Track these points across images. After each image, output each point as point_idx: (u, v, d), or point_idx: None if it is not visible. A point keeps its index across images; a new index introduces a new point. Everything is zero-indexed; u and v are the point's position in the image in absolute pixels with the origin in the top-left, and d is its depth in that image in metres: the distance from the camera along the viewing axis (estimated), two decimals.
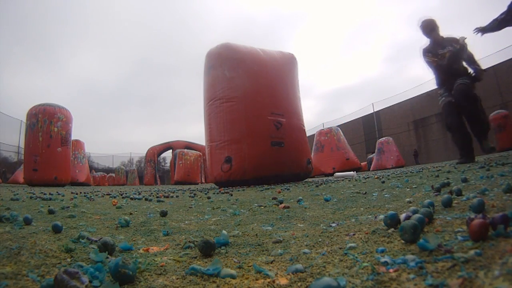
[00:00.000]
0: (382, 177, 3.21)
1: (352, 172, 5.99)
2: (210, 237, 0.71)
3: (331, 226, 0.83)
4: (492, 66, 14.33)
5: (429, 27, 4.38)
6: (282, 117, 4.68)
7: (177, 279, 0.47)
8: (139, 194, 3.15)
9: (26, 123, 8.16)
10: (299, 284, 0.43)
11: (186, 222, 1.09)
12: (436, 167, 4.52)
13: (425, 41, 4.48)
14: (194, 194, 2.82)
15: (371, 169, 13.58)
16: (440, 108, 4.27)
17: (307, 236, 0.73)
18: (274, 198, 1.76)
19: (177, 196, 2.69)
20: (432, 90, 17.67)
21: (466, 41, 4.11)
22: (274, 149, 4.44)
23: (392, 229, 0.65)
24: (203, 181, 15.48)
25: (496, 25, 3.49)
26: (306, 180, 5.28)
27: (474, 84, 3.99)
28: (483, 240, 0.46)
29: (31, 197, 2.45)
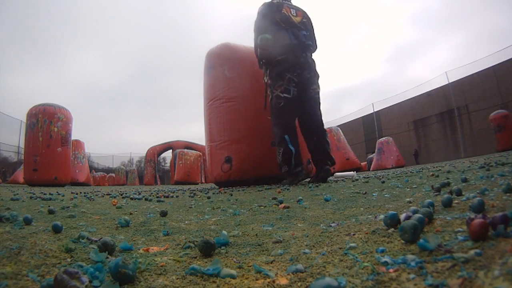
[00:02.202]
0: (382, 177, 3.21)
1: (352, 172, 5.98)
2: (210, 237, 0.71)
3: (331, 226, 0.83)
4: (492, 66, 14.35)
5: None
6: None
7: (177, 279, 0.47)
8: (139, 194, 3.15)
9: (26, 123, 8.15)
10: (299, 284, 0.43)
11: (186, 222, 1.09)
12: (436, 167, 4.52)
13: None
14: (194, 194, 2.82)
15: (371, 169, 13.58)
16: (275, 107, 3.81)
17: (307, 236, 0.73)
18: (274, 198, 1.76)
19: (177, 196, 2.69)
20: (432, 90, 17.70)
21: None
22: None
23: (392, 229, 0.65)
24: (203, 181, 15.48)
25: None
26: (306, 180, 5.28)
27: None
28: (483, 240, 0.46)
29: (31, 197, 2.45)
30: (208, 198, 2.23)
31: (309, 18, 4.15)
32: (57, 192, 3.74)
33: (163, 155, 23.54)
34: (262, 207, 1.44)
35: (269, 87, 3.90)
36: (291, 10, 4.02)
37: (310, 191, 2.31)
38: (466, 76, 15.65)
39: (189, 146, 19.12)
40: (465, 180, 1.45)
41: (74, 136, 9.31)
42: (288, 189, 2.74)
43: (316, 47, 4.07)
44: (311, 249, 0.61)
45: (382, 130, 20.52)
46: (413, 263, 0.43)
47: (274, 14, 3.88)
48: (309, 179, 4.17)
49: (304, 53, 3.89)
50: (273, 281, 0.44)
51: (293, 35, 3.79)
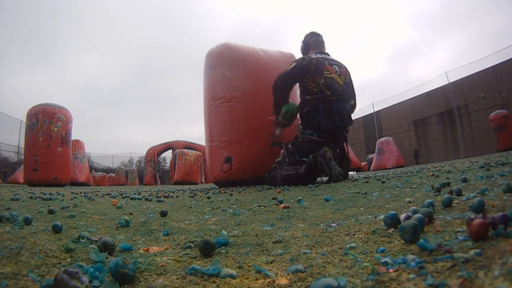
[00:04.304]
0: (382, 177, 3.21)
1: (352, 172, 5.98)
2: (210, 237, 0.71)
3: (331, 226, 0.83)
4: (492, 66, 14.34)
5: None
6: None
7: (177, 279, 0.47)
8: (139, 194, 3.15)
9: (26, 123, 8.14)
10: (299, 284, 0.43)
11: (186, 222, 1.09)
12: (436, 167, 4.52)
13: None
14: (194, 194, 2.82)
15: (371, 169, 13.57)
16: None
17: (307, 236, 0.73)
18: (274, 198, 1.76)
19: (177, 196, 2.69)
20: (432, 90, 17.70)
21: None
22: (274, 149, 4.44)
23: (392, 229, 0.65)
24: (203, 181, 15.48)
25: None
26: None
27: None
28: (483, 240, 0.46)
29: (31, 197, 2.45)
30: (208, 198, 2.23)
31: (347, 70, 3.80)
32: (57, 192, 3.74)
33: (163, 155, 23.54)
34: (262, 207, 1.44)
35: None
36: (334, 67, 3.62)
37: (310, 191, 2.31)
38: (466, 76, 15.65)
39: (189, 146, 19.10)
40: (465, 180, 1.44)
41: (74, 136, 9.31)
42: (288, 189, 2.74)
43: (355, 107, 3.79)
44: (311, 249, 0.61)
45: (382, 130, 20.52)
46: (413, 263, 0.43)
47: (314, 76, 3.52)
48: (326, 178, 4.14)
49: (343, 134, 3.72)
50: (273, 281, 0.44)
51: (337, 113, 3.45)
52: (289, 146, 3.79)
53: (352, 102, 3.72)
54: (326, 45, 4.06)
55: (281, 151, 3.97)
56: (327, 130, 3.51)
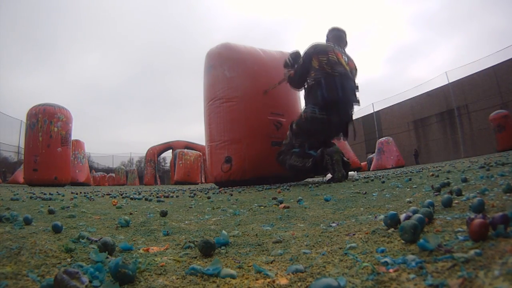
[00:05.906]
0: (382, 177, 3.21)
1: (352, 172, 5.98)
2: (210, 237, 0.71)
3: (331, 226, 0.83)
4: (492, 66, 14.34)
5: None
6: (282, 117, 4.69)
7: (177, 279, 0.47)
8: (139, 194, 3.15)
9: (26, 123, 8.15)
10: (299, 284, 0.43)
11: (186, 222, 1.09)
12: (436, 167, 4.52)
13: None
14: (194, 194, 2.82)
15: (371, 169, 13.57)
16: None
17: (307, 236, 0.73)
18: (274, 198, 1.76)
19: (177, 196, 2.69)
20: (432, 90, 17.69)
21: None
22: (274, 149, 4.45)
23: (392, 229, 0.65)
24: (203, 181, 15.48)
25: None
26: (306, 180, 5.28)
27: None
28: (483, 240, 0.46)
29: (31, 197, 2.45)
30: (208, 198, 2.23)
31: (356, 68, 3.93)
32: (57, 192, 3.74)
33: (163, 155, 23.54)
34: (262, 207, 1.44)
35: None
36: (343, 56, 3.77)
37: (310, 191, 2.31)
38: (466, 76, 15.64)
39: (189, 146, 19.10)
40: (465, 180, 1.44)
41: (74, 136, 9.31)
42: (288, 189, 2.74)
43: (358, 89, 3.82)
44: (311, 249, 0.61)
45: (382, 130, 20.51)
46: (413, 263, 0.42)
47: (318, 55, 3.65)
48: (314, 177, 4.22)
49: (347, 110, 3.74)
50: (273, 281, 0.44)
51: (340, 86, 3.53)
52: (294, 126, 3.86)
53: (356, 85, 3.78)
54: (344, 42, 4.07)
55: (287, 132, 4.03)
56: (330, 102, 3.54)
